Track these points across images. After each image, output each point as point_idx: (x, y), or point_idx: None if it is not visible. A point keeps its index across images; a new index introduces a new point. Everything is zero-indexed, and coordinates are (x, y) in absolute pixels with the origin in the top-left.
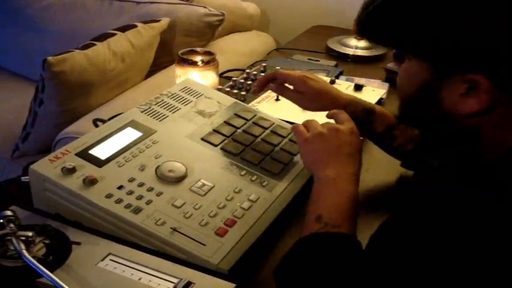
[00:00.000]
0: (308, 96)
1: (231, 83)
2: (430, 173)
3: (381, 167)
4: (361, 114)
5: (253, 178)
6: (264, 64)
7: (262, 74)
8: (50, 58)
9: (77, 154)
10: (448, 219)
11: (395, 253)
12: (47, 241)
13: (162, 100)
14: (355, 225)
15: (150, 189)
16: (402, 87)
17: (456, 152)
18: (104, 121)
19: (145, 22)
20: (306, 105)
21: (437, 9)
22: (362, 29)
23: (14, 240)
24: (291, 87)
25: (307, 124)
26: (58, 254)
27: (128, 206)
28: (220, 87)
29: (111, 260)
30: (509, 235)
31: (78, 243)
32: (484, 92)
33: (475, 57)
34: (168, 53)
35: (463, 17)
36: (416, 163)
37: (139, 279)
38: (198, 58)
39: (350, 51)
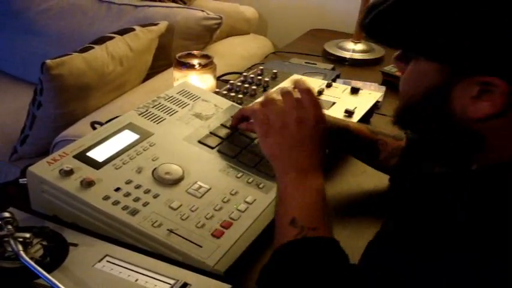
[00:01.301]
0: None
1: (228, 86)
2: (430, 179)
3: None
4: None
5: (250, 180)
6: (261, 67)
7: (260, 77)
8: (48, 61)
9: (74, 156)
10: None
11: (391, 264)
12: (44, 242)
13: (160, 103)
14: (331, 222)
15: (147, 191)
16: (407, 88)
17: (457, 157)
18: (101, 124)
19: (143, 25)
20: None
21: (452, 10)
22: (370, 29)
23: (11, 241)
24: None
25: (266, 110)
26: (55, 255)
27: (125, 207)
28: (217, 90)
29: (108, 261)
30: None
31: (76, 245)
32: (499, 95)
33: (492, 59)
34: (166, 56)
35: (480, 18)
36: (403, 176)
37: (136, 280)
38: (195, 61)
39: (347, 55)
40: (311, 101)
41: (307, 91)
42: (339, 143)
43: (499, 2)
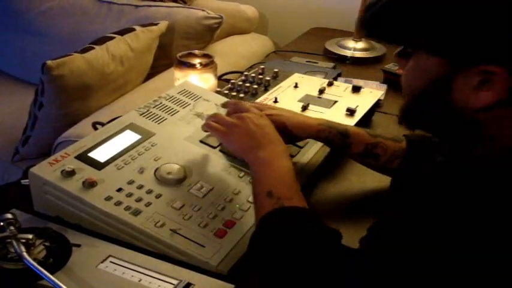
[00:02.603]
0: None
1: (229, 85)
2: (428, 169)
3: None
4: (336, 138)
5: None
6: (262, 66)
7: (261, 76)
8: (49, 62)
9: (76, 157)
10: (446, 217)
11: (390, 247)
12: (47, 243)
13: (161, 103)
14: (303, 196)
15: (149, 192)
16: (410, 84)
17: (455, 148)
18: (103, 124)
19: (144, 25)
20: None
21: (448, 3)
22: (369, 27)
23: (14, 242)
24: None
25: (216, 120)
26: (58, 256)
27: (127, 208)
28: (218, 89)
29: (111, 262)
30: (507, 235)
31: (78, 246)
32: (499, 84)
33: (490, 48)
34: (167, 56)
35: (476, 9)
36: (405, 178)
37: (139, 280)
38: (196, 61)
39: (348, 53)
40: (245, 105)
41: (237, 102)
42: (338, 147)
43: None
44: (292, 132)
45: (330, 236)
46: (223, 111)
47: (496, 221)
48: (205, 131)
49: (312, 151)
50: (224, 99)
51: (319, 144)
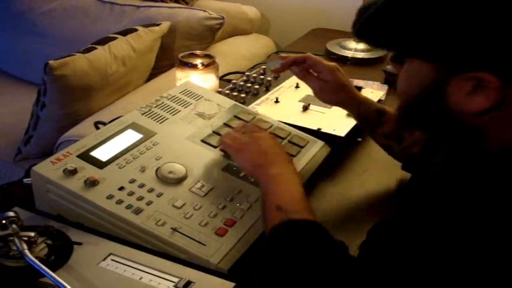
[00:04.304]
0: (330, 87)
1: (230, 85)
2: (431, 170)
3: (378, 169)
4: (372, 114)
5: (253, 179)
6: (263, 67)
7: (262, 76)
8: (51, 62)
9: (78, 156)
10: (449, 217)
11: (392, 250)
12: (49, 241)
13: (163, 102)
14: (312, 211)
15: (151, 190)
16: (404, 88)
17: (459, 150)
18: (105, 123)
19: (146, 26)
20: (325, 96)
21: (439, 10)
22: (360, 32)
23: (16, 240)
24: (315, 74)
25: (229, 137)
26: (60, 254)
27: (128, 206)
28: (220, 89)
29: (112, 259)
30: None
31: (80, 244)
32: (492, 89)
33: (480, 56)
34: (169, 57)
35: (467, 16)
36: (418, 166)
37: (140, 278)
38: (198, 61)
39: (349, 54)
40: (255, 127)
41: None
42: (370, 123)
43: (482, 4)
44: (342, 93)
45: (336, 248)
46: (225, 113)
47: (502, 228)
48: (222, 149)
49: (312, 152)
50: (226, 100)
51: (320, 144)
